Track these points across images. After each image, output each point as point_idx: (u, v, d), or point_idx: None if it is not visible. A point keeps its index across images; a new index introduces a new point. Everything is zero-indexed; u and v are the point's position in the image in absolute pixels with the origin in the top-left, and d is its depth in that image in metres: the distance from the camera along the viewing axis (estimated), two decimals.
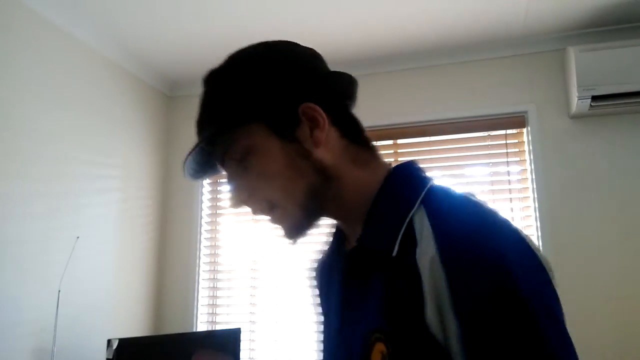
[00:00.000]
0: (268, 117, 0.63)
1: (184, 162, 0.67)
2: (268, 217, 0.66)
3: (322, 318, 0.78)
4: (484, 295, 0.49)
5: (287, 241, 0.66)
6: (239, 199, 0.65)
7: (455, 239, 0.52)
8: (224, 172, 0.70)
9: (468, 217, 0.55)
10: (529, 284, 0.50)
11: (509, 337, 0.47)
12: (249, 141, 0.64)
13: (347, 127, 0.68)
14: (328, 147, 0.65)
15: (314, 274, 0.81)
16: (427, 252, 0.53)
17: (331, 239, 0.77)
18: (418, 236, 0.56)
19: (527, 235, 0.56)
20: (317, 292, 0.81)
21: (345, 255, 0.68)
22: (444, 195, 0.61)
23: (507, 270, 0.49)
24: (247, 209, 0.64)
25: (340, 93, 0.69)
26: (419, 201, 0.60)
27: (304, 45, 0.70)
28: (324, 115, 0.64)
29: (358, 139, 0.69)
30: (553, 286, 0.54)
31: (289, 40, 0.70)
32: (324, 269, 0.78)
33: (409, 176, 0.65)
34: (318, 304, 0.82)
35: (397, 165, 0.67)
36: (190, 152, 0.65)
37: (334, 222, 0.73)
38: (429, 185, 0.62)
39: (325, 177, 0.64)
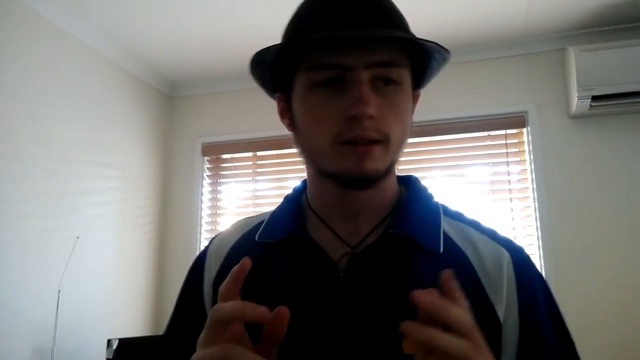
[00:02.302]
0: (416, 73, 0.66)
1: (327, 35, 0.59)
2: (370, 147, 0.59)
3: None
4: (542, 302, 0.64)
5: (360, 176, 0.60)
6: (371, 112, 0.57)
7: (517, 250, 0.66)
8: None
9: (498, 231, 0.69)
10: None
11: (557, 333, 0.63)
12: (403, 77, 0.62)
13: None
14: None
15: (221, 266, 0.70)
16: (493, 261, 0.63)
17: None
18: (457, 240, 0.65)
19: None
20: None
21: (355, 252, 0.64)
22: (459, 211, 0.72)
23: (540, 274, 0.68)
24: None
25: None
26: (442, 212, 0.69)
27: None
28: None
29: None
30: None
31: None
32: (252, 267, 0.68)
33: (424, 189, 0.72)
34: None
35: (409, 176, 0.73)
36: (369, 33, 0.58)
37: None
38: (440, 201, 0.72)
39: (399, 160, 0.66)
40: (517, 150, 2.65)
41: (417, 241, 0.63)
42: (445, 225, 0.66)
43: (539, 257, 2.47)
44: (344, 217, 0.66)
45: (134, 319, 2.74)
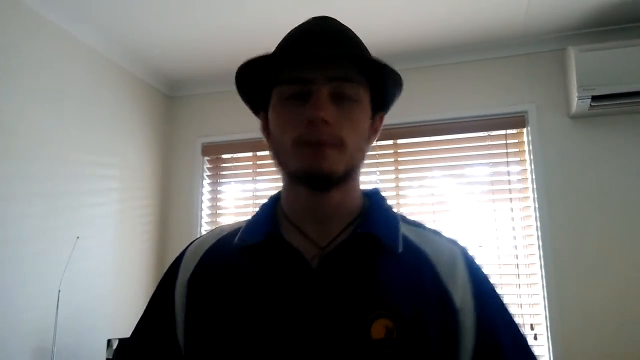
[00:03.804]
0: (376, 96, 0.75)
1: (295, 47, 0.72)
2: (324, 148, 0.68)
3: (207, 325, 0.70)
4: (491, 289, 0.74)
5: (317, 173, 0.68)
6: (325, 117, 0.67)
7: (469, 253, 0.75)
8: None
9: (457, 240, 0.79)
10: None
11: (504, 313, 0.73)
12: (360, 94, 0.71)
13: None
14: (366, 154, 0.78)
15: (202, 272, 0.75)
16: (448, 256, 0.72)
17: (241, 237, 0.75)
18: (415, 240, 0.74)
19: None
20: (202, 294, 0.73)
21: (328, 251, 0.71)
22: (418, 221, 0.81)
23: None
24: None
25: None
26: (400, 219, 0.77)
27: None
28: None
29: None
30: None
31: None
32: (224, 268, 0.73)
33: (385, 199, 0.80)
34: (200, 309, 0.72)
35: (372, 189, 0.82)
36: (326, 50, 0.70)
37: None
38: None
39: (359, 168, 0.75)
40: (517, 150, 2.65)
41: (381, 241, 0.71)
42: (404, 229, 0.75)
43: (539, 257, 2.47)
44: (314, 220, 0.73)
45: (134, 319, 2.72)
